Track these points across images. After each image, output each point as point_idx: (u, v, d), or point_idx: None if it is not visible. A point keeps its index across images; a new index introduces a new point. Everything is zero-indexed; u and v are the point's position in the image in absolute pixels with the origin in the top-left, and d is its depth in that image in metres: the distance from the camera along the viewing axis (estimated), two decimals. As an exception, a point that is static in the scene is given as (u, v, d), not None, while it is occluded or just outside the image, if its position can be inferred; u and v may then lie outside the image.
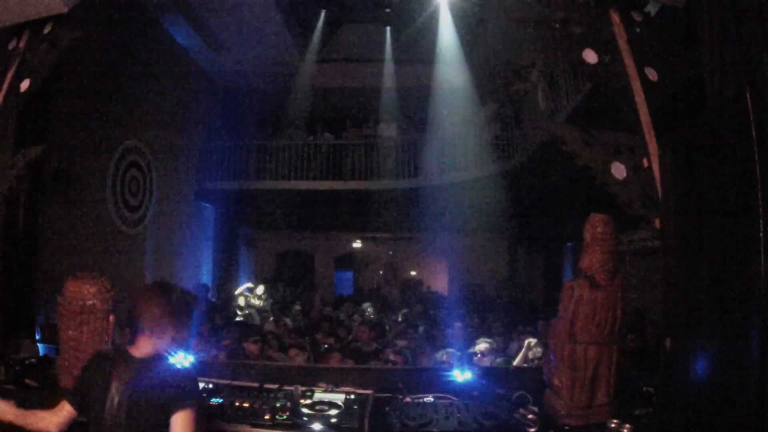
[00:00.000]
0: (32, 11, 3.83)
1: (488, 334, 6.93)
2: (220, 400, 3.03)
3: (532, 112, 9.38)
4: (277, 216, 13.97)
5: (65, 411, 2.25)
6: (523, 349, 4.99)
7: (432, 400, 3.13)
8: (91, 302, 3.20)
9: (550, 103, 8.66)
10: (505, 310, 10.40)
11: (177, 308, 2.27)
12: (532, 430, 2.80)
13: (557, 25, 3.27)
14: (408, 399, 3.12)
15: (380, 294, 14.44)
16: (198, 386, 2.41)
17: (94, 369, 2.24)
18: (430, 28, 11.25)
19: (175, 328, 2.25)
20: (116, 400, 2.13)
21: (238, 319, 8.77)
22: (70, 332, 3.24)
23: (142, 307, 2.23)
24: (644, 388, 3.20)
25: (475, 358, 5.22)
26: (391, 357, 5.00)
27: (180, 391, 2.19)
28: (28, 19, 3.89)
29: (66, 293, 3.23)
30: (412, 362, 5.17)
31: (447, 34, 11.07)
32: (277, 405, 2.96)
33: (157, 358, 2.25)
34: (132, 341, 2.26)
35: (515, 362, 4.93)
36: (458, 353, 5.22)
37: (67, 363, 3.27)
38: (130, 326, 2.28)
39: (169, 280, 2.48)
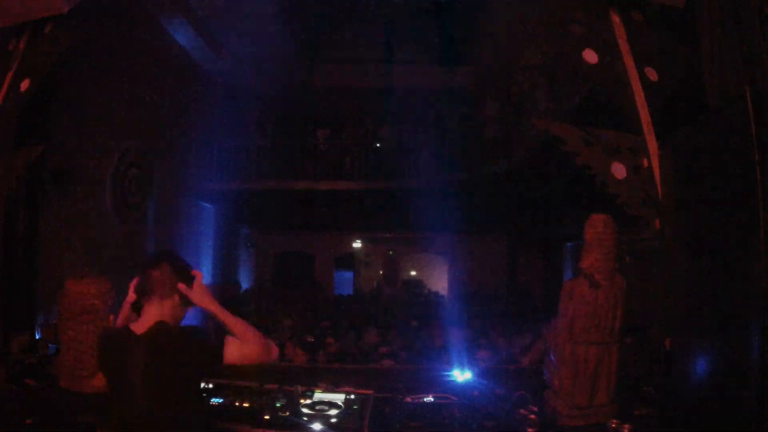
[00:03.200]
0: (32, 11, 3.82)
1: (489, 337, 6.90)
2: (221, 400, 3.03)
3: (532, 112, 9.36)
4: (277, 216, 13.97)
5: None
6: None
7: (432, 400, 3.12)
8: (91, 302, 3.20)
9: (550, 103, 8.66)
10: (505, 309, 10.39)
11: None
12: (532, 430, 2.80)
13: (557, 25, 3.28)
14: (408, 399, 3.12)
15: (381, 294, 14.44)
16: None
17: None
18: (431, 27, 11.25)
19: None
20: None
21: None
22: (70, 332, 3.24)
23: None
24: (644, 388, 3.21)
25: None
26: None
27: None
28: (28, 19, 3.88)
29: (66, 293, 3.23)
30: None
31: (447, 34, 11.07)
32: (277, 405, 2.96)
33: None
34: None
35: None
36: None
37: (67, 363, 3.27)
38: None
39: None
